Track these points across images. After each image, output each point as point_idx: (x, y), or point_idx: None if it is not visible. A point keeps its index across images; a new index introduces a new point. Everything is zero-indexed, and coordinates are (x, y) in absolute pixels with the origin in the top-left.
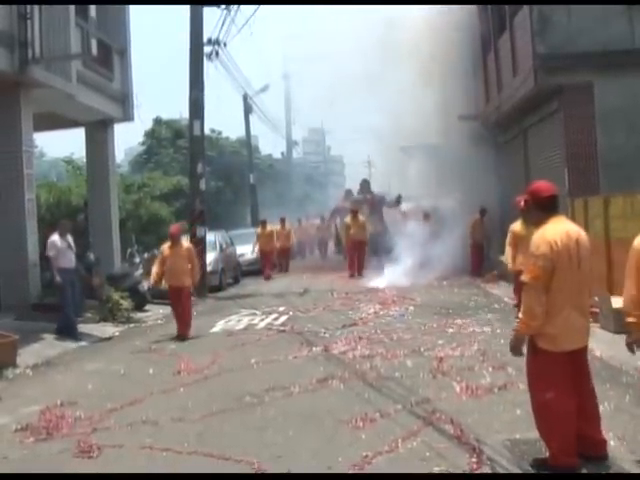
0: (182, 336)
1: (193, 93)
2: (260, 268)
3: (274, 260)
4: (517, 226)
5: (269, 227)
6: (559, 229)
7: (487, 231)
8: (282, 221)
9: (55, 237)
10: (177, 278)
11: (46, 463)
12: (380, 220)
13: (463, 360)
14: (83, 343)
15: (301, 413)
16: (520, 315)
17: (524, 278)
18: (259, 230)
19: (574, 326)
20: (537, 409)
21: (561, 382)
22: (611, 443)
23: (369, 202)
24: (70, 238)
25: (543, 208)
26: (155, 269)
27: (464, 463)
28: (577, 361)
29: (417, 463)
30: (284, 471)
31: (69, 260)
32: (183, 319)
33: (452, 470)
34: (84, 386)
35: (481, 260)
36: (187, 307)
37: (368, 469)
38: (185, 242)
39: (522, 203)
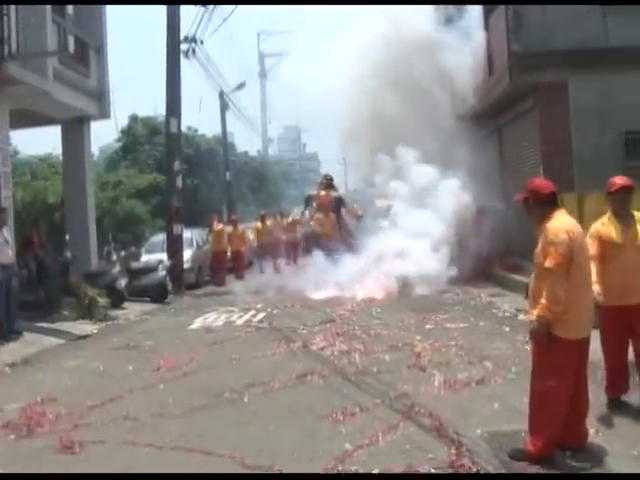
0: None
1: (169, 90)
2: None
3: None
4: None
5: (220, 225)
6: (570, 221)
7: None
8: (234, 222)
9: None
10: None
11: (28, 459)
12: (335, 224)
13: (441, 355)
14: (61, 341)
15: (281, 408)
16: (543, 301)
17: (547, 264)
18: (208, 231)
19: (585, 315)
20: (536, 397)
21: (565, 372)
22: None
23: (321, 200)
24: (6, 232)
25: (545, 204)
26: None
27: (444, 455)
28: (583, 349)
29: (397, 456)
30: (266, 465)
31: (6, 256)
32: None
33: (432, 462)
34: (64, 383)
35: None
36: None
37: (349, 462)
38: None
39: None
